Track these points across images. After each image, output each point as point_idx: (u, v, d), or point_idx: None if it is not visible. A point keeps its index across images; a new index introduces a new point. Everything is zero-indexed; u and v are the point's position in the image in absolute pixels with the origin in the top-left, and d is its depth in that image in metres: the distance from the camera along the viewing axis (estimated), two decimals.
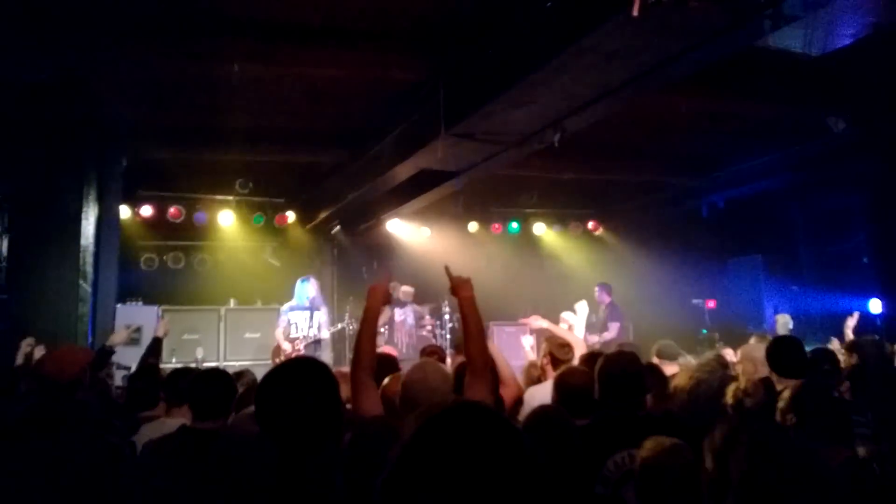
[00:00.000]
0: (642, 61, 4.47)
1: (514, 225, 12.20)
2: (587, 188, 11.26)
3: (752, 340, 4.85)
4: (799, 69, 6.17)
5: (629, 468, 2.46)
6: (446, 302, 10.98)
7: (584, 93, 5.16)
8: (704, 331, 8.62)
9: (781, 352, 3.82)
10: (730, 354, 6.28)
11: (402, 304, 10.02)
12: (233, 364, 9.54)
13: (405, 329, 9.81)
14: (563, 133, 6.01)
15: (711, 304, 9.81)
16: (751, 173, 8.83)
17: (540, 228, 12.39)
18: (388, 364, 3.73)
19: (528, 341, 6.32)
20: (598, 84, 4.97)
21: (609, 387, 2.81)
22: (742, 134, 8.29)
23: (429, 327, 10.77)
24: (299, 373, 1.75)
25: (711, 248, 10.60)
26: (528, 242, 12.49)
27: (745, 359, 4.57)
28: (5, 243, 5.76)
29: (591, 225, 12.39)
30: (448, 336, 10.89)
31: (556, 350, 4.52)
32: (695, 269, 10.43)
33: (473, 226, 11.87)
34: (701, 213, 10.29)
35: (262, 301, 10.60)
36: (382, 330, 9.83)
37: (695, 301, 9.29)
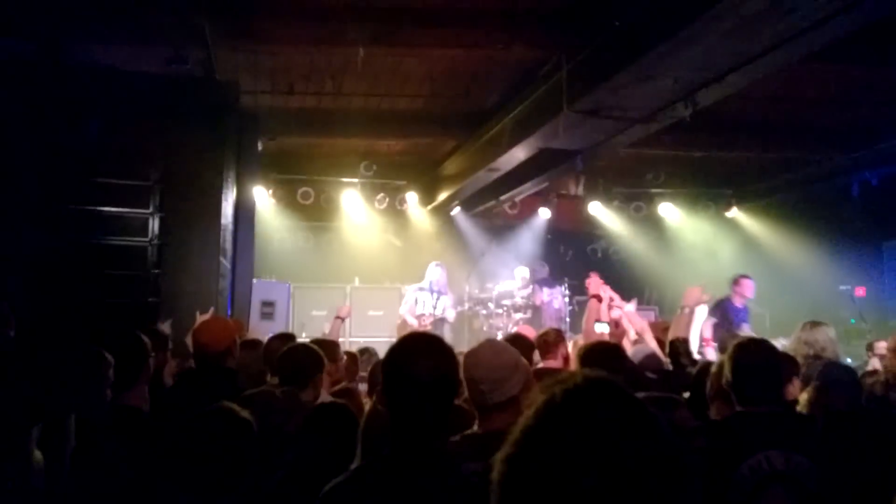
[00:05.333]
0: (789, 24, 4.08)
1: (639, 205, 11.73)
2: (720, 166, 10.59)
3: None
4: None
5: (767, 472, 2.24)
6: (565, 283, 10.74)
7: (719, 63, 4.82)
8: (853, 320, 7.86)
9: None
10: (881, 348, 5.69)
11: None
12: (357, 340, 9.91)
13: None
14: (694, 107, 5.67)
15: (861, 291, 8.93)
16: None
17: (666, 209, 11.83)
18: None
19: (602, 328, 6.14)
20: (737, 53, 4.61)
21: (743, 378, 2.48)
22: None
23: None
24: (431, 344, 1.72)
25: (863, 230, 9.69)
26: (654, 224, 11.96)
27: (892, 352, 4.12)
28: (157, 222, 6.22)
29: (724, 206, 11.65)
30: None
31: None
32: (842, 253, 9.56)
33: (595, 206, 11.53)
34: (851, 192, 9.39)
35: (386, 280, 10.92)
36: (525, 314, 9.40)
37: (842, 288, 8.49)
